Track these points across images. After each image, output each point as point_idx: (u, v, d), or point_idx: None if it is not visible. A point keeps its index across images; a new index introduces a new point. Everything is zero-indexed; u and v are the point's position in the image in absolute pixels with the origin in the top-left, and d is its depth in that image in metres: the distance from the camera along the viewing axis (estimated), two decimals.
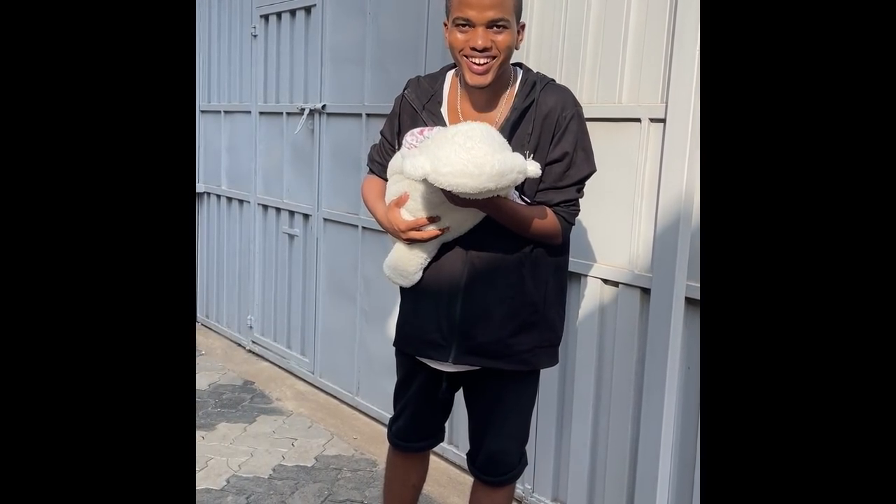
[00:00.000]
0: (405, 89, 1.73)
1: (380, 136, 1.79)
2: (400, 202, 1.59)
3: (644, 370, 2.07)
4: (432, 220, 1.57)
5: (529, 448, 2.42)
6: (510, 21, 1.53)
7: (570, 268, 2.26)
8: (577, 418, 2.30)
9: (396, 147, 1.71)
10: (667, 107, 1.95)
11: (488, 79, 1.55)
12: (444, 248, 1.65)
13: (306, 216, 3.49)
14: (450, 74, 1.71)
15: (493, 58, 1.54)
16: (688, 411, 2.00)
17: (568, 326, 2.31)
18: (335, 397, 3.38)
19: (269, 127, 3.76)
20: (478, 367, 1.69)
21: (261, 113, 3.81)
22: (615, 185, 2.12)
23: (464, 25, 1.52)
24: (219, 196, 4.26)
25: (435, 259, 1.65)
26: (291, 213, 3.61)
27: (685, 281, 1.95)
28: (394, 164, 1.67)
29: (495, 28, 1.52)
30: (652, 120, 2.02)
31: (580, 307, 2.27)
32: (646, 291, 2.06)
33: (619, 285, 2.14)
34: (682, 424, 2.02)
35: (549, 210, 1.62)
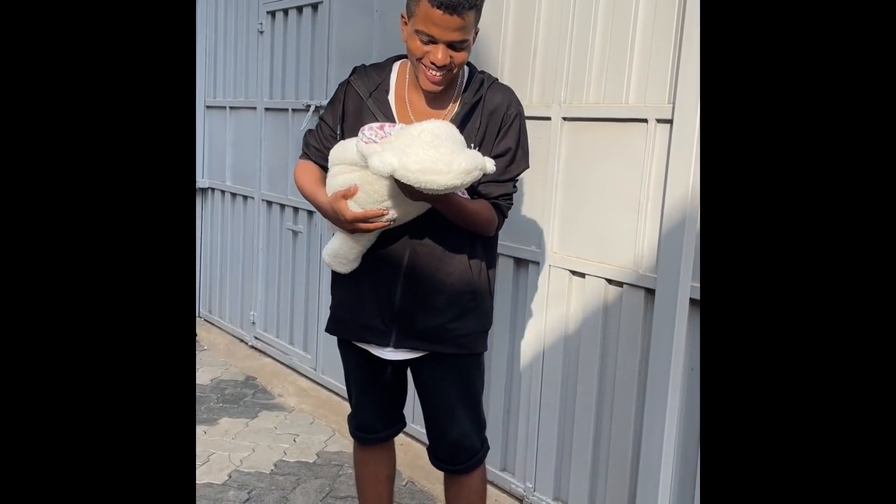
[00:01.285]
0: (351, 76, 1.74)
1: (318, 121, 1.79)
2: (348, 194, 1.59)
3: (647, 371, 2.07)
4: (380, 213, 1.58)
5: (531, 447, 2.44)
6: (470, 39, 1.57)
7: (574, 267, 2.28)
8: (580, 418, 2.30)
9: (338, 134, 1.71)
10: (674, 108, 1.96)
11: (441, 87, 1.61)
12: (385, 235, 1.67)
13: (311, 213, 3.50)
14: (397, 65, 1.73)
15: (450, 71, 1.58)
16: (691, 413, 2.01)
17: (571, 325, 2.32)
18: (337, 394, 3.38)
19: (275, 123, 3.76)
20: (419, 354, 1.72)
21: (266, 109, 3.81)
22: (621, 185, 2.12)
23: (426, 38, 1.53)
24: (223, 192, 4.26)
25: (374, 246, 1.68)
26: (296, 209, 3.62)
27: (690, 282, 1.95)
28: (340, 154, 1.65)
29: (456, 46, 1.54)
30: (659, 121, 2.02)
31: (583, 307, 2.27)
32: (650, 292, 2.07)
33: (624, 285, 2.14)
34: (685, 426, 2.02)
35: (488, 203, 1.68)
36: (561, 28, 2.27)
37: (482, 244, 1.73)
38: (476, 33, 1.61)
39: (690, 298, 1.96)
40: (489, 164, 1.49)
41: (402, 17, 1.61)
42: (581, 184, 2.25)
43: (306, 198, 1.77)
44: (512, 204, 1.76)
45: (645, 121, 2.05)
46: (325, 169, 1.75)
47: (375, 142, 1.53)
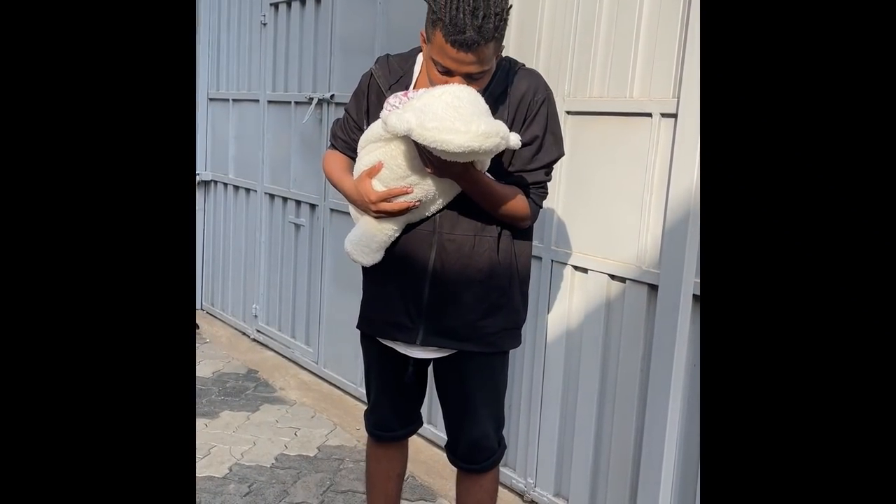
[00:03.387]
0: (374, 66, 1.71)
1: (344, 113, 1.77)
2: (372, 172, 1.56)
3: (650, 367, 2.06)
4: (404, 191, 1.56)
5: (532, 442, 2.43)
6: (490, 66, 1.51)
7: (576, 262, 2.27)
8: (581, 413, 2.29)
9: (364, 125, 1.68)
10: (678, 102, 1.94)
11: None
12: (410, 230, 1.64)
13: (313, 206, 3.49)
14: (421, 56, 1.69)
15: None
16: (693, 409, 1.99)
17: (573, 321, 2.31)
18: (338, 388, 3.38)
19: (278, 116, 3.75)
20: (446, 352, 1.69)
21: (269, 102, 3.80)
22: (624, 180, 2.11)
23: (442, 69, 1.49)
24: (226, 184, 4.26)
25: (400, 239, 1.65)
26: (298, 202, 3.61)
27: (693, 278, 1.94)
28: (367, 135, 1.63)
29: (474, 76, 1.49)
30: (663, 115, 2.00)
31: (585, 303, 2.26)
32: (653, 288, 2.05)
33: (626, 281, 2.13)
34: (687, 422, 2.01)
35: (519, 190, 1.63)
36: (565, 20, 2.25)
37: (513, 238, 1.67)
38: (502, 50, 1.54)
39: (693, 295, 1.95)
40: (513, 138, 1.44)
41: (422, 35, 1.54)
42: (584, 178, 2.23)
43: (334, 185, 1.75)
44: (546, 194, 1.69)
45: (649, 115, 2.03)
46: (353, 159, 1.72)
47: (398, 107, 1.50)
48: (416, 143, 1.45)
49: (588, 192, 2.23)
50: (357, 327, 1.80)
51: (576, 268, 2.28)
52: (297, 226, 3.63)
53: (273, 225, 3.85)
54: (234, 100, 4.13)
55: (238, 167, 4.16)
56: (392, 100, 1.55)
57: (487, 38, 1.43)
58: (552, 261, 2.33)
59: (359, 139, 1.67)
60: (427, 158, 1.48)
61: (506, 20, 1.47)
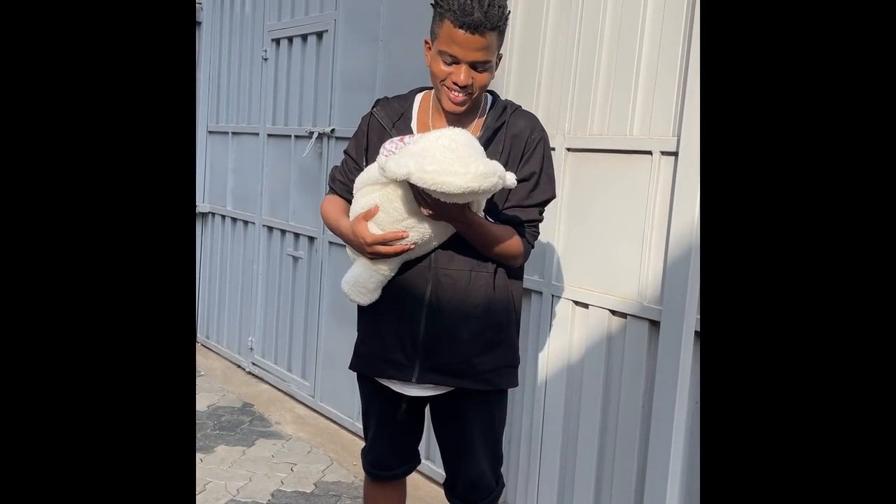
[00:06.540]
0: (373, 107, 1.75)
1: (343, 156, 1.79)
2: (368, 215, 1.58)
3: (652, 403, 2.05)
4: (400, 235, 1.57)
5: (532, 479, 2.41)
6: (492, 61, 1.58)
7: (577, 297, 2.27)
8: (582, 450, 2.27)
9: (364, 166, 1.70)
10: (679, 140, 1.96)
11: (464, 108, 1.61)
12: (406, 266, 1.65)
13: (311, 239, 3.49)
14: (419, 96, 1.74)
15: (471, 94, 1.59)
16: (696, 446, 1.98)
17: (573, 356, 2.30)
18: (335, 422, 3.35)
19: (277, 149, 3.77)
20: (442, 390, 1.68)
21: (269, 135, 3.83)
22: (625, 216, 2.12)
23: (449, 59, 1.55)
24: (223, 216, 4.26)
25: (395, 277, 1.66)
26: (296, 235, 3.61)
27: (695, 315, 1.94)
28: (363, 177, 1.64)
29: (478, 67, 1.56)
30: (663, 153, 2.02)
31: (586, 338, 2.26)
32: (654, 324, 2.05)
33: (627, 317, 2.13)
34: (690, 459, 2.00)
35: (512, 229, 1.65)
36: (565, 58, 2.29)
37: (508, 275, 1.69)
38: (500, 58, 1.62)
39: (695, 331, 1.95)
40: (510, 178, 1.48)
41: (426, 42, 1.63)
42: (584, 214, 2.25)
43: (331, 229, 1.76)
44: (538, 233, 1.73)
45: (649, 153, 2.06)
46: (350, 202, 1.73)
47: (395, 152, 1.53)
48: (413, 187, 1.47)
49: (589, 227, 2.24)
50: (350, 368, 1.78)
51: (576, 303, 2.28)
52: (296, 258, 3.63)
53: (271, 257, 3.84)
54: (233, 133, 4.16)
55: (236, 199, 4.17)
56: (388, 145, 1.58)
57: (493, 22, 1.51)
58: (553, 296, 2.33)
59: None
60: (424, 201, 1.50)
61: (507, 16, 1.57)
